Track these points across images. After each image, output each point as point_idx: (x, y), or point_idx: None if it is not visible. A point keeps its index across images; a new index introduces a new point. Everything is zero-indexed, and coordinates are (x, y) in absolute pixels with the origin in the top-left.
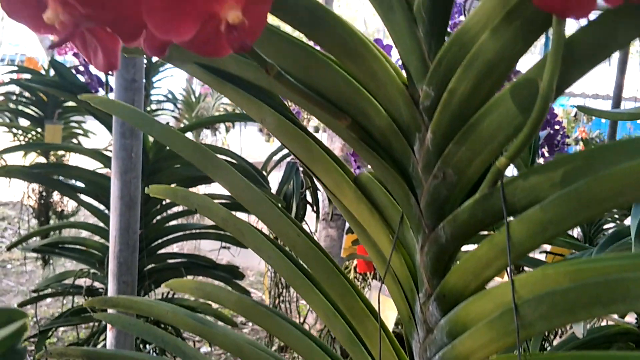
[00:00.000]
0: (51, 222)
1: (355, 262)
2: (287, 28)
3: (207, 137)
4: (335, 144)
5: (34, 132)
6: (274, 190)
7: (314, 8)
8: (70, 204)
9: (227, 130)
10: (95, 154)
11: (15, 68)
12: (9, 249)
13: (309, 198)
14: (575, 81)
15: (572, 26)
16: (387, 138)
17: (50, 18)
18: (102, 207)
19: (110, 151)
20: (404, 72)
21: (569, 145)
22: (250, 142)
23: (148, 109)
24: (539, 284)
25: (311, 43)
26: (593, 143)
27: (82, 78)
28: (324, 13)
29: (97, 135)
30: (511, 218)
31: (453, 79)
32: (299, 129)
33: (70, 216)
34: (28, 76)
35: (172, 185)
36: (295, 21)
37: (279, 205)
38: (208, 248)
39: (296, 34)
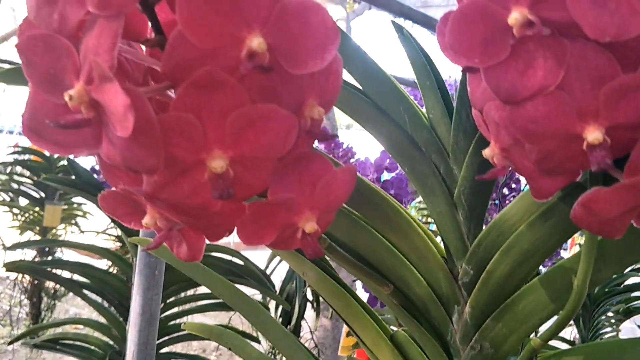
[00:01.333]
0: (43, 300)
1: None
2: None
3: None
4: None
5: (32, 212)
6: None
7: (361, 188)
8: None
9: None
10: (95, 249)
11: (19, 148)
12: (9, 343)
13: (309, 295)
14: (607, 279)
15: None
16: (427, 307)
17: (149, 223)
18: (99, 299)
19: (109, 235)
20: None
21: None
22: None
23: None
24: None
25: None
26: None
27: (96, 176)
28: (372, 193)
29: (95, 216)
30: None
31: (492, 261)
32: (339, 285)
33: (62, 296)
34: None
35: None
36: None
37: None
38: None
39: None
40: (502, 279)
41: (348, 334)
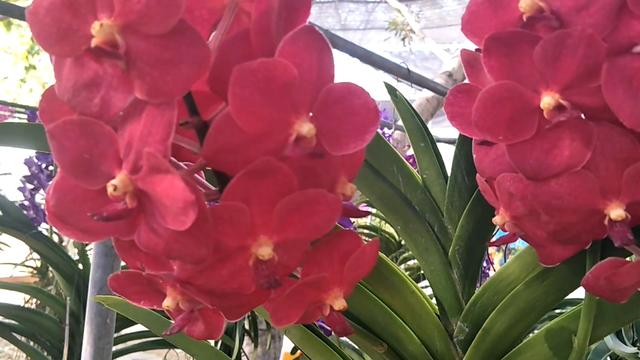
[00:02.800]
0: None
1: None
2: None
3: None
4: None
5: None
6: None
7: None
8: None
9: None
10: (24, 288)
11: None
12: None
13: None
14: (605, 336)
15: None
16: None
17: (170, 306)
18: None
19: (28, 267)
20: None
21: None
22: None
23: None
24: None
25: None
26: None
27: (26, 212)
28: None
29: (12, 248)
30: None
31: (488, 319)
32: (325, 343)
33: None
34: None
35: None
36: None
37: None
38: None
39: None
40: (498, 337)
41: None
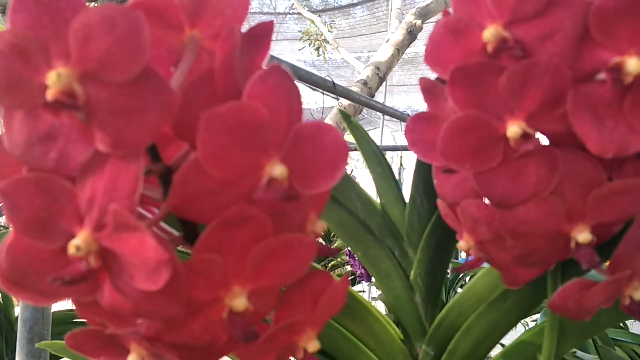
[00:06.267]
0: None
1: None
2: None
3: None
4: None
5: None
6: None
7: None
8: None
9: None
10: None
11: None
12: None
13: None
14: (568, 351)
15: None
16: None
17: None
18: None
19: None
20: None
21: None
22: None
23: None
24: None
25: None
26: None
27: None
28: None
29: None
30: None
31: (452, 341)
32: None
33: None
34: None
35: None
36: None
37: None
38: None
39: None
40: (464, 358)
41: None
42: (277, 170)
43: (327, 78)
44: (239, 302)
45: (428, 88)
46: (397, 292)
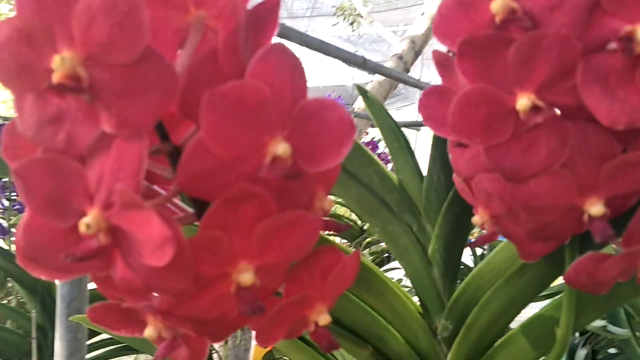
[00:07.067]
0: None
1: None
2: None
3: None
4: None
5: None
6: None
7: None
8: None
9: None
10: None
11: None
12: None
13: None
14: (586, 325)
15: None
16: None
17: (151, 335)
18: None
19: None
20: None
21: None
22: None
23: None
24: None
25: None
26: None
27: None
28: None
29: None
30: None
31: (470, 315)
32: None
33: None
34: None
35: None
36: None
37: None
38: None
39: None
40: (482, 332)
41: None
42: (281, 148)
43: (357, 53)
44: (246, 277)
45: (441, 61)
46: (415, 267)
